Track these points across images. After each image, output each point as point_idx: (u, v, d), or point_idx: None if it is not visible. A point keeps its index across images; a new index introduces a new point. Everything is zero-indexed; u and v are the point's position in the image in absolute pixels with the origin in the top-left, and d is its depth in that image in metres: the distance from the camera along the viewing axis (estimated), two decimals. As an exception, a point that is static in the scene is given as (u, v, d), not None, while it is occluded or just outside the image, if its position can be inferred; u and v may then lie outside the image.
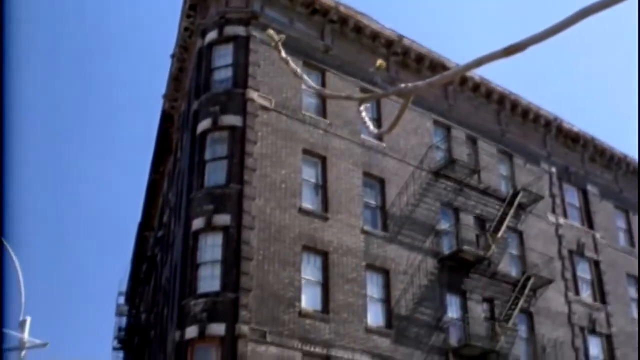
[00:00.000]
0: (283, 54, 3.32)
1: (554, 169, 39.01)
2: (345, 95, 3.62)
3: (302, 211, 27.76)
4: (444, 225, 32.46)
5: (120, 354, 61.22)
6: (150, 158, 42.87)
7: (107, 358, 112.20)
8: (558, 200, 38.31)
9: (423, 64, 34.37)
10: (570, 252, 37.25)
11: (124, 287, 64.21)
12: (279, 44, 3.33)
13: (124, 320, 62.66)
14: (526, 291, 32.61)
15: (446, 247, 31.99)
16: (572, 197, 39.79)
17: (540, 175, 37.81)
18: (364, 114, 3.30)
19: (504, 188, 35.90)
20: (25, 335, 21.95)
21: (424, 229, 31.41)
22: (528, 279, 33.10)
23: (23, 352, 21.86)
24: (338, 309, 27.01)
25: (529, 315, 33.60)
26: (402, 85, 3.04)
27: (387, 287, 29.08)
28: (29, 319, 22.22)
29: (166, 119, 38.41)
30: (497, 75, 72.80)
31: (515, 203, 34.27)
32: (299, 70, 3.32)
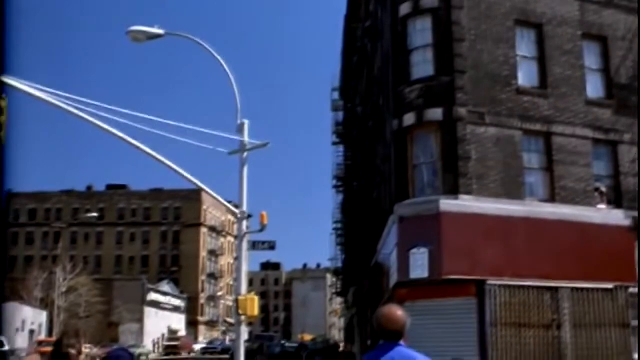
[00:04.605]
0: None
1: None
2: None
3: (512, -17, 26.27)
4: (664, -21, 29.93)
5: (340, 148, 62.70)
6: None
7: (327, 154, 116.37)
8: None
9: None
10: None
11: (337, 83, 64.70)
12: None
13: (340, 115, 63.66)
14: None
15: (667, 1, 29.62)
16: None
17: None
18: None
19: None
20: (245, 137, 22.53)
21: (642, -12, 29.12)
22: None
23: (245, 154, 22.54)
24: (556, 83, 25.98)
25: None
26: None
27: (605, 56, 27.51)
28: (247, 122, 22.72)
29: None
30: None
31: None
32: None
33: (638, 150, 25.87)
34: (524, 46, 26.03)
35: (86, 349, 58.98)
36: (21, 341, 70.05)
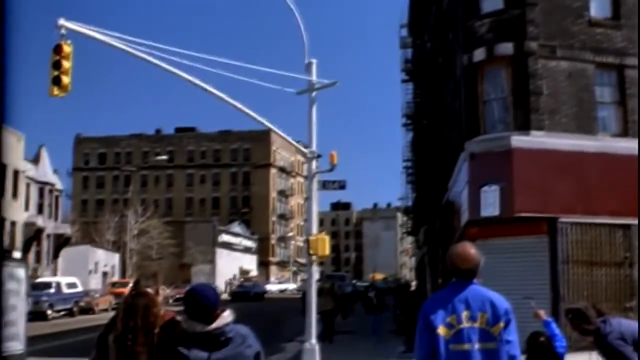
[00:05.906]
0: None
1: None
2: None
3: None
4: None
5: (409, 86, 61.91)
6: None
7: (396, 92, 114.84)
8: None
9: None
10: None
11: (405, 19, 63.51)
12: None
13: (409, 52, 62.65)
14: None
15: None
16: None
17: None
18: None
19: None
20: (313, 76, 22.37)
21: None
22: None
23: (313, 94, 22.40)
24: (629, 14, 25.08)
25: None
26: None
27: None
28: (314, 62, 22.54)
29: None
30: None
31: None
32: None
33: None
34: (596, -25, 25.24)
35: (161, 290, 60.35)
36: (95, 283, 72.15)
